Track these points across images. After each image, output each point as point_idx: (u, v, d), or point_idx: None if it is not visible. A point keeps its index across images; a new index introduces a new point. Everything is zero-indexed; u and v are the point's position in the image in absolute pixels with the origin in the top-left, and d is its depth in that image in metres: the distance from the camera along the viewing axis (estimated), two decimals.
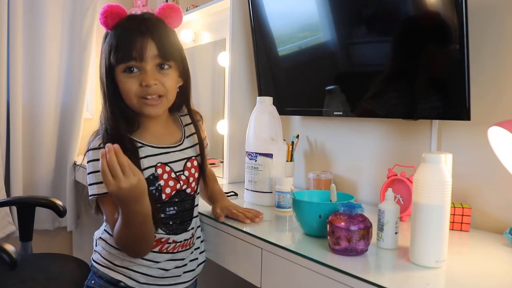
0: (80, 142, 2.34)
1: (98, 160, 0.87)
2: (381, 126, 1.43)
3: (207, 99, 2.14)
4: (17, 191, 2.15)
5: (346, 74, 1.43)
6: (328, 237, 0.92)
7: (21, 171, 2.17)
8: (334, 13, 1.41)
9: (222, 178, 1.82)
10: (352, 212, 0.91)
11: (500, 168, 1.02)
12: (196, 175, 1.09)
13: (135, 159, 0.94)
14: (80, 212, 2.45)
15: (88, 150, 0.98)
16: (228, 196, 1.47)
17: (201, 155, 1.12)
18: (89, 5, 2.30)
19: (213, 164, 1.98)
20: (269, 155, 1.34)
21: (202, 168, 1.12)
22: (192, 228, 1.10)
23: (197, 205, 1.13)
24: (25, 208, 1.74)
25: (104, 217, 1.03)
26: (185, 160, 1.07)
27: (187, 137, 1.11)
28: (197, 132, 1.13)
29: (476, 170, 1.18)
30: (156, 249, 1.03)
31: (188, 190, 1.07)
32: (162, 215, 1.03)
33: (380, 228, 0.95)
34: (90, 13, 2.31)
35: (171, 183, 1.03)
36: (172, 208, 1.04)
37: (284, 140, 1.45)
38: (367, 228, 0.90)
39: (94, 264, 1.08)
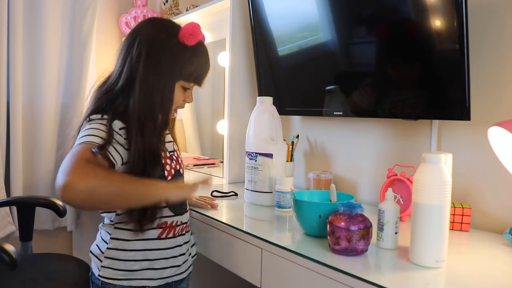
0: None
1: (104, 127, 0.92)
2: (381, 126, 1.43)
3: (207, 99, 2.14)
4: (17, 191, 2.14)
5: (346, 74, 1.43)
6: (328, 237, 0.92)
7: (21, 171, 2.16)
8: (334, 13, 1.41)
9: (222, 178, 1.82)
10: (352, 212, 0.91)
11: (500, 168, 1.02)
12: (181, 156, 1.16)
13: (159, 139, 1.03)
14: (80, 212, 2.45)
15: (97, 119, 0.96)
16: (228, 196, 1.48)
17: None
18: (89, 5, 2.30)
19: (213, 164, 1.98)
20: (269, 155, 1.34)
21: None
22: (189, 209, 1.17)
23: None
24: (25, 208, 1.74)
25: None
26: (172, 142, 1.13)
27: None
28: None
29: (476, 170, 1.18)
30: (170, 234, 1.07)
31: (181, 171, 1.12)
32: None
33: (380, 228, 0.95)
34: (90, 13, 2.30)
35: (168, 161, 1.07)
36: None
37: (284, 140, 1.45)
38: (367, 228, 0.90)
39: (107, 281, 1.01)
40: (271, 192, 1.34)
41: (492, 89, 1.14)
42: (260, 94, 1.70)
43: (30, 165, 2.25)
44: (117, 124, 0.95)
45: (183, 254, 1.10)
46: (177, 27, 1.04)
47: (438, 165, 0.84)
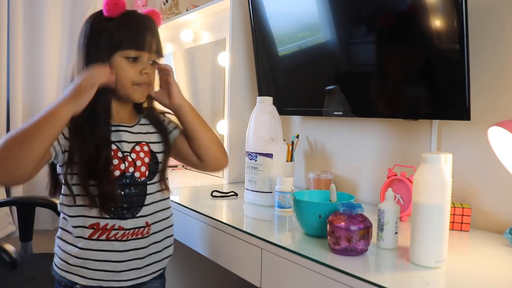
0: None
1: None
2: (381, 126, 1.43)
3: (207, 99, 2.14)
4: (17, 191, 2.14)
5: (346, 74, 1.43)
6: (328, 237, 0.92)
7: None
8: (334, 13, 1.41)
9: (222, 178, 1.82)
10: (352, 212, 0.91)
11: (500, 168, 1.02)
12: (147, 160, 1.07)
13: (103, 126, 1.02)
14: None
15: None
16: (228, 196, 1.48)
17: (165, 141, 1.13)
18: (89, 5, 2.30)
19: None
20: (269, 155, 1.34)
21: (167, 152, 1.12)
22: (143, 216, 1.05)
23: (151, 194, 1.08)
24: (25, 208, 1.74)
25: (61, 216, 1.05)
26: (134, 144, 1.07)
27: (142, 124, 1.11)
28: (157, 123, 1.14)
29: (476, 170, 1.18)
30: (103, 237, 1.01)
31: (137, 174, 1.05)
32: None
33: (380, 228, 0.95)
34: (90, 13, 2.30)
35: (115, 161, 1.02)
36: (119, 191, 1.02)
37: (284, 140, 1.45)
38: (367, 228, 0.90)
39: (55, 268, 1.06)
40: (271, 192, 1.34)
41: (492, 89, 1.14)
42: (260, 94, 1.70)
43: None
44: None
45: (125, 261, 1.02)
46: (100, 10, 1.06)
47: (438, 165, 0.84)
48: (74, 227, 1.02)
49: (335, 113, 1.45)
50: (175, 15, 2.23)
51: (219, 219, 1.18)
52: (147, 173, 1.07)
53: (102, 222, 1.01)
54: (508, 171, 0.99)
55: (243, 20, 1.75)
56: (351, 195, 1.09)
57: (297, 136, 1.61)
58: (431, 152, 1.01)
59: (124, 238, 1.03)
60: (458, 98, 1.09)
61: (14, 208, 2.07)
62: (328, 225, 0.92)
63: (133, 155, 1.05)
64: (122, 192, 1.03)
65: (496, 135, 0.98)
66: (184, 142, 1.15)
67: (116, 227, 1.02)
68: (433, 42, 1.15)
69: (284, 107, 1.61)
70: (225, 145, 1.77)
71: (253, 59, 1.74)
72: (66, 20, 2.29)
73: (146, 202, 1.06)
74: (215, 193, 1.48)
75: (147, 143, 1.09)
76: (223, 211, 1.33)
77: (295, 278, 0.93)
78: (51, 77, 2.26)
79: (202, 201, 1.41)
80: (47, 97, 2.25)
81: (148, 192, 1.07)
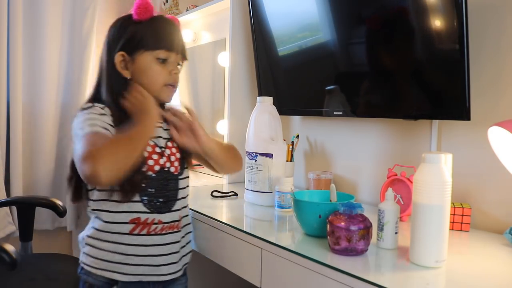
0: None
1: (100, 114, 1.00)
2: (381, 126, 1.43)
3: (207, 99, 2.14)
4: (17, 191, 2.14)
5: (346, 74, 1.43)
6: (328, 237, 0.92)
7: (21, 171, 2.16)
8: (334, 13, 1.41)
9: (222, 178, 1.82)
10: (352, 212, 0.91)
11: (500, 168, 1.02)
12: (178, 155, 1.12)
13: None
14: (80, 212, 2.45)
15: (86, 108, 1.03)
16: (228, 196, 1.48)
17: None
18: (89, 5, 2.30)
19: None
20: (269, 155, 1.34)
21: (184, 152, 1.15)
22: (177, 210, 1.10)
23: (183, 188, 1.12)
24: (25, 208, 1.74)
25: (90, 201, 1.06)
26: (167, 139, 1.11)
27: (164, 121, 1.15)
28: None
29: (476, 170, 1.18)
30: (144, 231, 1.04)
31: (172, 169, 1.09)
32: (148, 190, 1.04)
33: (380, 228, 0.95)
34: (90, 13, 2.31)
35: (154, 156, 1.06)
36: (157, 185, 1.05)
37: (284, 140, 1.45)
38: (367, 228, 0.90)
39: (85, 267, 1.06)
40: (271, 192, 1.34)
41: (492, 89, 1.14)
42: (260, 94, 1.70)
43: (30, 165, 2.25)
44: (107, 112, 1.03)
45: (164, 255, 1.06)
46: (128, 14, 1.09)
47: (438, 165, 0.83)
48: (113, 223, 1.03)
49: (335, 113, 1.45)
50: (175, 15, 2.23)
51: (219, 219, 1.18)
52: (179, 168, 1.12)
53: (143, 217, 1.04)
54: (508, 171, 0.99)
55: (243, 20, 1.75)
56: (351, 195, 1.09)
57: (297, 136, 1.61)
58: (431, 152, 1.01)
59: (163, 232, 1.07)
60: (458, 98, 1.09)
61: (14, 208, 2.07)
62: (328, 225, 0.92)
63: (167, 151, 1.10)
64: (160, 186, 1.06)
65: (496, 135, 0.98)
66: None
67: (156, 221, 1.05)
68: (433, 42, 1.15)
69: (284, 107, 1.61)
70: None
71: (253, 59, 1.74)
72: (66, 20, 2.29)
73: (179, 196, 1.11)
74: (215, 193, 1.48)
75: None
76: (223, 211, 1.33)
77: (295, 278, 0.93)
78: (51, 77, 2.26)
79: (202, 201, 1.41)
80: (47, 97, 2.25)
81: (179, 186, 1.12)
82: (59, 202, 1.70)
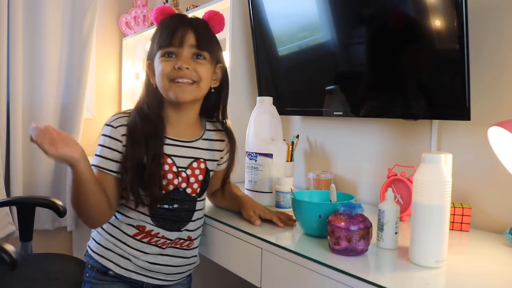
0: (80, 142, 2.34)
1: (109, 137, 1.02)
2: (381, 126, 1.43)
3: None
4: (17, 191, 2.14)
5: (346, 74, 1.43)
6: (328, 237, 0.92)
7: (21, 171, 2.17)
8: (334, 13, 1.41)
9: None
10: (352, 212, 0.91)
11: (500, 168, 1.02)
12: (201, 178, 1.10)
13: (156, 141, 1.03)
14: None
15: (105, 125, 1.05)
16: None
17: (227, 167, 1.18)
18: (89, 5, 2.30)
19: None
20: (269, 155, 1.34)
21: (223, 180, 1.19)
22: (188, 231, 1.10)
23: (199, 210, 1.13)
24: (25, 208, 1.74)
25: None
26: (192, 160, 1.08)
27: (206, 139, 1.13)
28: (229, 139, 1.17)
29: (476, 170, 1.18)
30: (146, 240, 1.05)
31: (189, 191, 1.08)
32: (158, 206, 1.04)
33: (380, 228, 0.95)
34: (90, 13, 2.31)
35: (169, 175, 1.04)
36: (169, 204, 1.05)
37: (284, 140, 1.45)
38: (367, 228, 0.90)
39: (89, 251, 1.10)
40: (271, 192, 1.34)
41: (493, 89, 1.14)
42: (260, 94, 1.70)
43: (30, 165, 2.25)
44: (121, 131, 1.03)
45: (160, 265, 1.07)
46: None
47: (438, 165, 0.83)
48: (122, 223, 1.05)
49: (335, 113, 1.45)
50: None
51: (219, 219, 1.18)
52: (198, 190, 1.10)
53: (148, 227, 1.05)
54: (508, 171, 0.99)
55: (243, 20, 1.75)
56: (351, 195, 1.09)
57: (297, 136, 1.61)
58: (431, 152, 1.01)
59: (164, 246, 1.07)
60: (458, 98, 1.09)
61: (14, 208, 2.07)
62: (328, 225, 0.92)
63: (189, 171, 1.08)
64: (172, 206, 1.06)
65: (496, 135, 0.98)
66: (215, 178, 1.20)
67: (160, 235, 1.06)
68: (433, 42, 1.15)
69: (284, 107, 1.61)
70: None
71: (253, 59, 1.74)
72: (66, 20, 2.29)
73: (193, 218, 1.11)
74: None
75: (205, 161, 1.11)
76: (223, 211, 1.33)
77: (295, 278, 0.93)
78: (51, 77, 2.26)
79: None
80: (47, 97, 2.25)
81: (196, 208, 1.11)
82: (59, 202, 1.69)
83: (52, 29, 2.25)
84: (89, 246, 1.11)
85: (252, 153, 1.37)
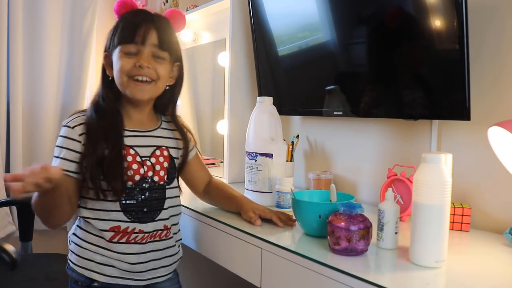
0: None
1: (67, 137, 1.01)
2: (381, 126, 1.43)
3: (207, 99, 2.14)
4: None
5: (346, 74, 1.43)
6: (328, 237, 0.92)
7: (21, 171, 2.16)
8: (334, 13, 1.41)
9: (222, 178, 1.82)
10: (352, 212, 0.91)
11: (500, 168, 1.02)
12: (166, 165, 1.10)
13: (115, 132, 1.04)
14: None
15: (62, 126, 1.05)
16: None
17: (184, 156, 1.16)
18: (89, 5, 2.30)
19: (213, 164, 1.98)
20: (269, 155, 1.34)
21: (180, 166, 1.16)
22: (162, 220, 1.08)
23: (170, 198, 1.11)
24: (25, 208, 1.74)
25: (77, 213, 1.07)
26: (155, 148, 1.09)
27: (165, 128, 1.15)
28: (182, 133, 1.17)
29: (476, 170, 1.18)
30: (123, 240, 1.03)
31: (156, 179, 1.07)
32: (128, 201, 1.03)
33: (380, 228, 0.95)
34: (90, 13, 2.31)
35: (134, 166, 1.04)
36: (139, 195, 1.04)
37: (284, 140, 1.45)
38: (367, 228, 0.90)
39: (71, 265, 1.08)
40: (271, 192, 1.34)
41: (492, 89, 1.14)
42: (260, 94, 1.70)
43: (30, 165, 2.25)
44: (78, 130, 1.03)
45: (143, 263, 1.05)
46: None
47: (438, 165, 0.83)
48: (95, 228, 1.03)
49: (335, 113, 1.45)
50: None
51: (219, 219, 1.18)
52: (165, 177, 1.09)
53: (123, 225, 1.03)
54: (508, 171, 0.99)
55: (243, 20, 1.75)
56: (351, 195, 1.09)
57: (297, 136, 1.61)
58: (431, 152, 1.01)
59: (144, 241, 1.05)
60: (458, 98, 1.09)
61: (14, 208, 2.07)
62: (328, 225, 0.92)
63: (153, 159, 1.08)
64: (143, 196, 1.05)
65: (496, 135, 0.98)
66: (194, 168, 1.22)
67: (136, 230, 1.04)
68: (433, 42, 1.15)
69: (284, 107, 1.61)
70: (225, 145, 1.77)
71: (253, 59, 1.74)
72: (66, 20, 2.29)
73: (165, 206, 1.09)
74: None
75: (167, 148, 1.12)
76: (223, 211, 1.33)
77: (295, 278, 0.93)
78: (51, 77, 2.26)
79: (202, 201, 1.41)
80: (47, 97, 2.25)
81: (167, 196, 1.10)
82: None
83: (52, 29, 2.24)
84: (69, 260, 1.08)
85: (252, 153, 1.37)
